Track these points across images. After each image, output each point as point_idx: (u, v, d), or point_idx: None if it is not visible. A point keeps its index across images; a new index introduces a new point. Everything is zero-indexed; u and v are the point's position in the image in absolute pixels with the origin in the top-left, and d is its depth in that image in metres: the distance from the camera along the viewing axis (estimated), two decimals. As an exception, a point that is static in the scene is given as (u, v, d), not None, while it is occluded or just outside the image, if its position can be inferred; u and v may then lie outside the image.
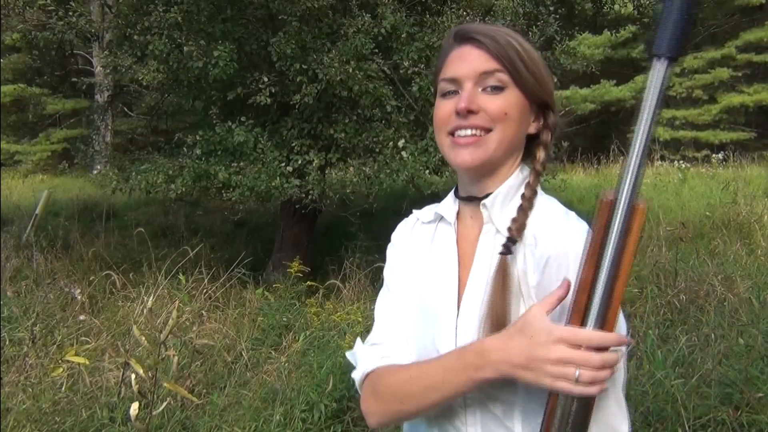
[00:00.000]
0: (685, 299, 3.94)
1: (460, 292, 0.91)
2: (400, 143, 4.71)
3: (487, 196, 0.91)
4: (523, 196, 0.89)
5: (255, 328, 3.91)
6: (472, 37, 0.89)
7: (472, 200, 0.93)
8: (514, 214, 0.88)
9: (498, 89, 0.87)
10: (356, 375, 0.99)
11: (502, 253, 0.85)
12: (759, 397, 2.58)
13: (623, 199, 0.72)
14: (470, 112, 0.86)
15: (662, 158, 12.85)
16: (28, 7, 5.81)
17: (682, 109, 16.45)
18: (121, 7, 5.38)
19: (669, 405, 2.62)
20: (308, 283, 4.35)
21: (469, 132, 0.87)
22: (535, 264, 0.83)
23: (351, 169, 5.20)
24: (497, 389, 0.85)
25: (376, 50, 4.67)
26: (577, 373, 0.71)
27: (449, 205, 0.99)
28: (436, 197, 1.05)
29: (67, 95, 16.18)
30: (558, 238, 0.83)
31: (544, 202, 0.90)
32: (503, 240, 0.87)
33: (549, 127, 0.93)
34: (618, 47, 16.94)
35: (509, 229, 0.86)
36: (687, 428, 2.49)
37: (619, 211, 0.72)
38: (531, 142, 0.94)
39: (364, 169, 4.89)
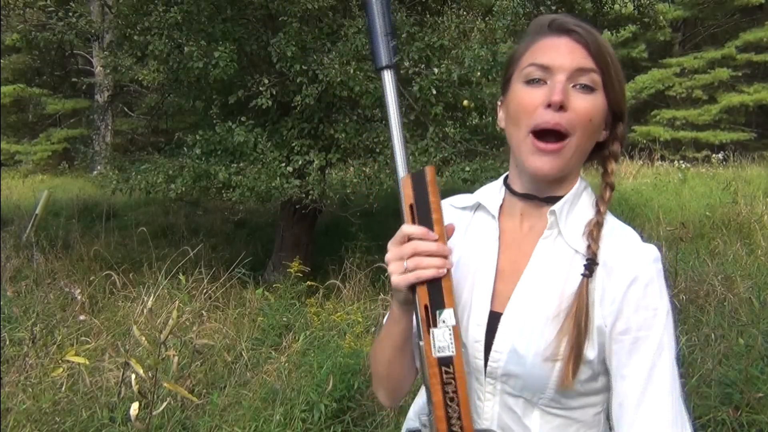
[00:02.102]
0: (685, 299, 3.94)
1: (495, 286, 0.91)
2: (401, 143, 4.70)
3: (549, 198, 0.90)
4: (598, 211, 0.89)
5: (255, 328, 3.91)
6: (571, 29, 0.85)
7: (531, 198, 0.92)
8: (577, 221, 0.89)
9: (589, 89, 0.84)
10: None
11: (584, 275, 0.84)
12: (759, 397, 2.58)
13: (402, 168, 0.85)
14: (561, 107, 0.82)
15: (662, 158, 12.85)
16: (28, 8, 5.81)
17: (682, 109, 16.46)
18: (121, 8, 5.37)
19: (669, 405, 2.61)
20: (308, 283, 4.35)
21: (552, 138, 0.83)
22: (612, 296, 0.84)
23: (351, 169, 5.20)
24: (520, 388, 0.87)
25: (377, 50, 4.66)
26: (404, 264, 0.81)
27: (493, 195, 0.97)
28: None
29: (67, 95, 16.17)
30: (641, 265, 0.84)
31: (607, 216, 0.91)
32: (563, 245, 0.88)
33: (618, 138, 0.91)
34: (618, 47, 16.91)
35: (588, 247, 0.86)
36: (687, 428, 2.49)
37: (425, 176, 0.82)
38: (595, 150, 0.92)
39: (364, 169, 4.89)
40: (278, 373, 3.16)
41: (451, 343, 0.80)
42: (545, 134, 0.84)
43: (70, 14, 5.44)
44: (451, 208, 1.01)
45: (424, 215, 0.82)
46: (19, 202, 9.31)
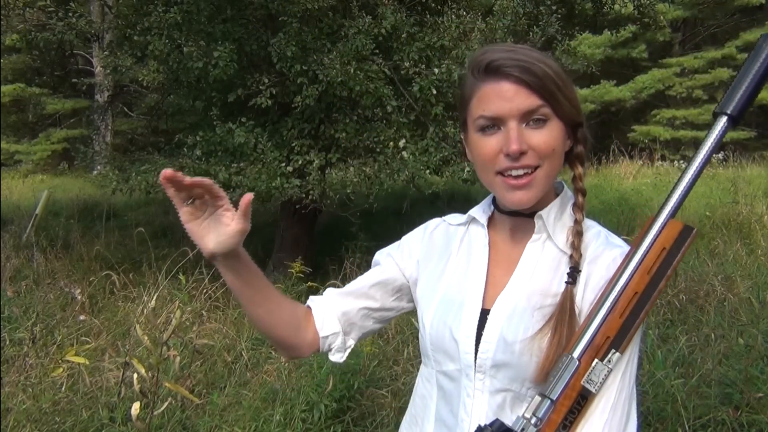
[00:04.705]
0: (685, 299, 3.94)
1: (486, 289, 0.95)
2: (401, 143, 4.71)
3: (534, 213, 0.93)
4: (575, 221, 0.92)
5: (255, 329, 3.91)
6: (507, 72, 0.86)
7: (518, 215, 0.95)
8: (566, 226, 0.93)
9: (542, 122, 0.87)
10: None
11: (568, 283, 0.87)
12: (759, 397, 2.58)
13: (667, 215, 0.83)
14: (521, 153, 0.86)
15: (662, 158, 12.85)
16: (28, 8, 5.81)
17: (682, 109, 16.45)
18: (121, 8, 5.38)
19: (669, 405, 2.62)
20: (308, 284, 4.35)
21: (521, 172, 0.87)
22: (594, 282, 0.88)
23: (351, 169, 5.20)
24: (510, 379, 0.88)
25: (377, 51, 4.66)
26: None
27: (484, 210, 1.02)
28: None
29: (67, 95, 16.18)
30: (606, 251, 0.90)
31: (588, 223, 0.95)
32: (552, 248, 0.92)
33: (581, 141, 0.94)
34: (618, 47, 16.92)
35: (571, 257, 0.89)
36: (687, 428, 2.49)
37: (686, 233, 0.82)
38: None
39: (364, 169, 4.89)
40: (278, 373, 3.17)
41: (601, 383, 0.81)
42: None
43: (70, 14, 5.44)
44: (447, 225, 1.07)
45: (666, 266, 0.82)
46: (19, 202, 9.32)
